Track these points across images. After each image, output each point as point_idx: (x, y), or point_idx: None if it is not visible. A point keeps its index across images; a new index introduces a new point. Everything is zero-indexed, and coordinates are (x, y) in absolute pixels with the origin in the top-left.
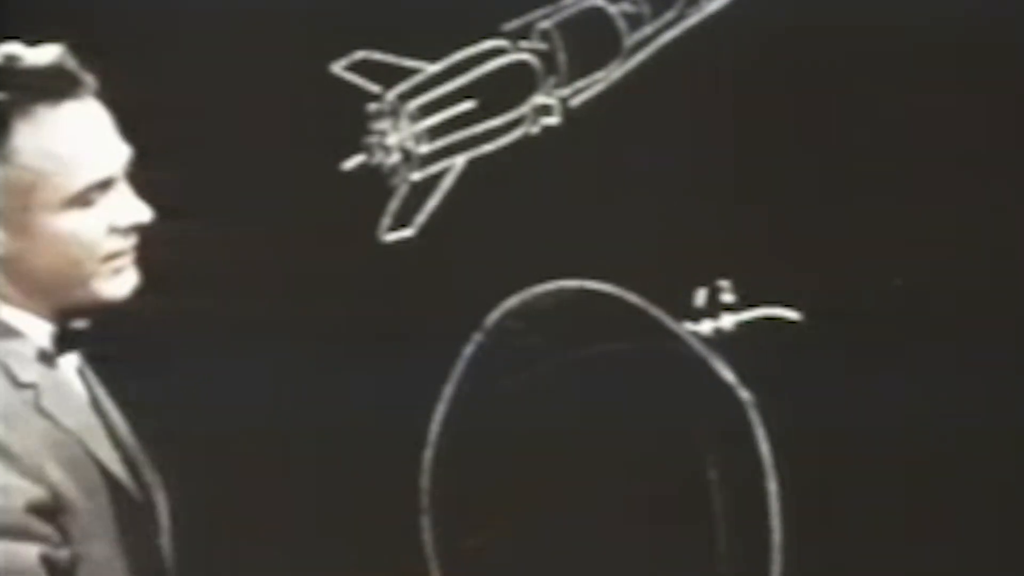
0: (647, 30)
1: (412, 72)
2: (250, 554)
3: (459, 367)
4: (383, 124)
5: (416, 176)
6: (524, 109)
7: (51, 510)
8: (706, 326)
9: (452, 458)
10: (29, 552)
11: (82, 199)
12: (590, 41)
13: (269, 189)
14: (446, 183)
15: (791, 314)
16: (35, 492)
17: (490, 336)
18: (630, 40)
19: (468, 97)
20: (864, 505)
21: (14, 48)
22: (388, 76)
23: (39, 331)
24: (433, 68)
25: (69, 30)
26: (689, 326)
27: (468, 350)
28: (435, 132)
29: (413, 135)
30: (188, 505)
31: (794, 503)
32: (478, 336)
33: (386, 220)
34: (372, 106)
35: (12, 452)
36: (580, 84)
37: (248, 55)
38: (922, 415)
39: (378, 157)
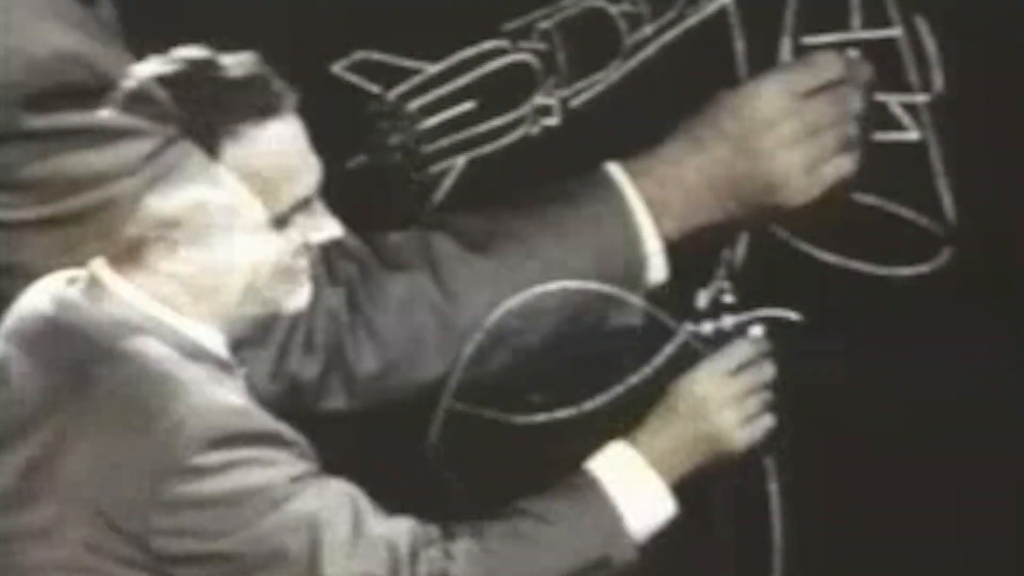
0: (647, 30)
1: (413, 73)
2: None
3: (459, 367)
4: (384, 124)
5: (417, 176)
6: (524, 109)
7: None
8: (707, 326)
9: (453, 458)
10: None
11: (283, 219)
12: (590, 41)
13: None
14: (447, 183)
15: (791, 314)
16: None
17: (490, 336)
18: (630, 40)
19: (468, 97)
20: (864, 505)
21: (205, 53)
22: (388, 77)
23: (218, 343)
24: (433, 69)
25: None
26: (690, 326)
27: (468, 350)
28: (435, 132)
29: (414, 135)
30: None
31: (794, 503)
32: (478, 336)
33: (387, 220)
34: (373, 106)
35: (286, 439)
36: (580, 84)
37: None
38: (922, 415)
39: (379, 157)
